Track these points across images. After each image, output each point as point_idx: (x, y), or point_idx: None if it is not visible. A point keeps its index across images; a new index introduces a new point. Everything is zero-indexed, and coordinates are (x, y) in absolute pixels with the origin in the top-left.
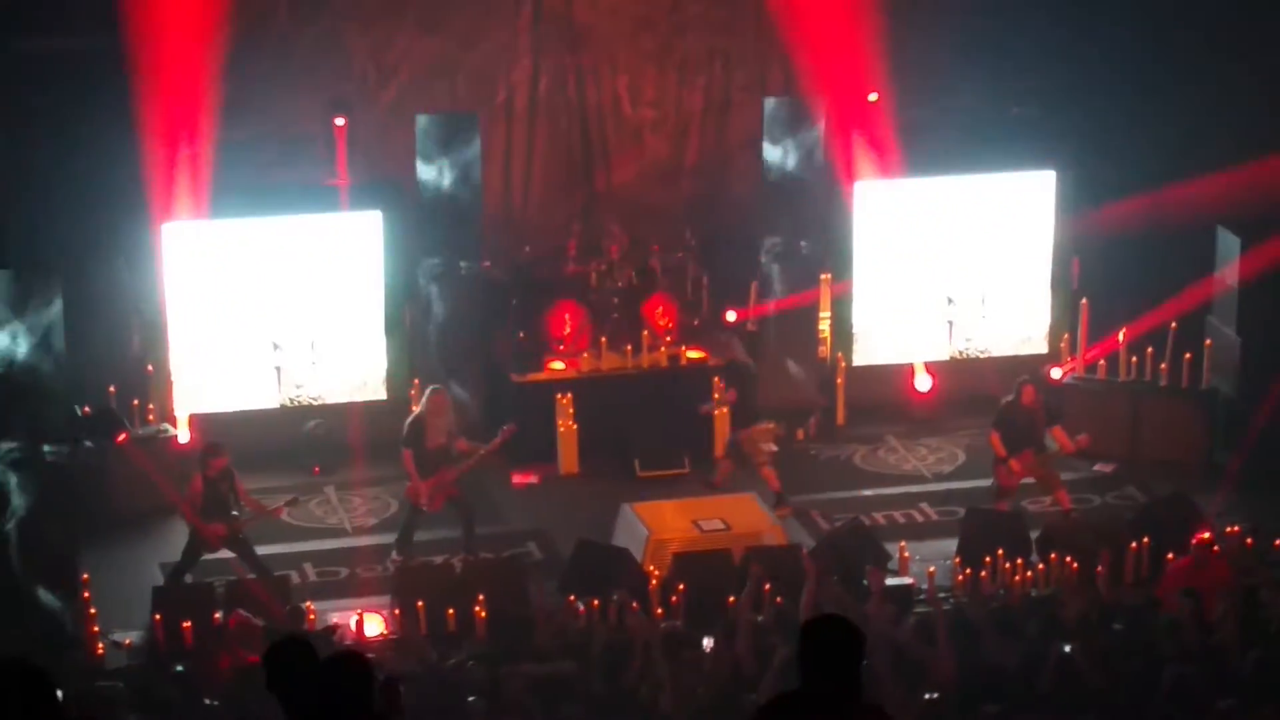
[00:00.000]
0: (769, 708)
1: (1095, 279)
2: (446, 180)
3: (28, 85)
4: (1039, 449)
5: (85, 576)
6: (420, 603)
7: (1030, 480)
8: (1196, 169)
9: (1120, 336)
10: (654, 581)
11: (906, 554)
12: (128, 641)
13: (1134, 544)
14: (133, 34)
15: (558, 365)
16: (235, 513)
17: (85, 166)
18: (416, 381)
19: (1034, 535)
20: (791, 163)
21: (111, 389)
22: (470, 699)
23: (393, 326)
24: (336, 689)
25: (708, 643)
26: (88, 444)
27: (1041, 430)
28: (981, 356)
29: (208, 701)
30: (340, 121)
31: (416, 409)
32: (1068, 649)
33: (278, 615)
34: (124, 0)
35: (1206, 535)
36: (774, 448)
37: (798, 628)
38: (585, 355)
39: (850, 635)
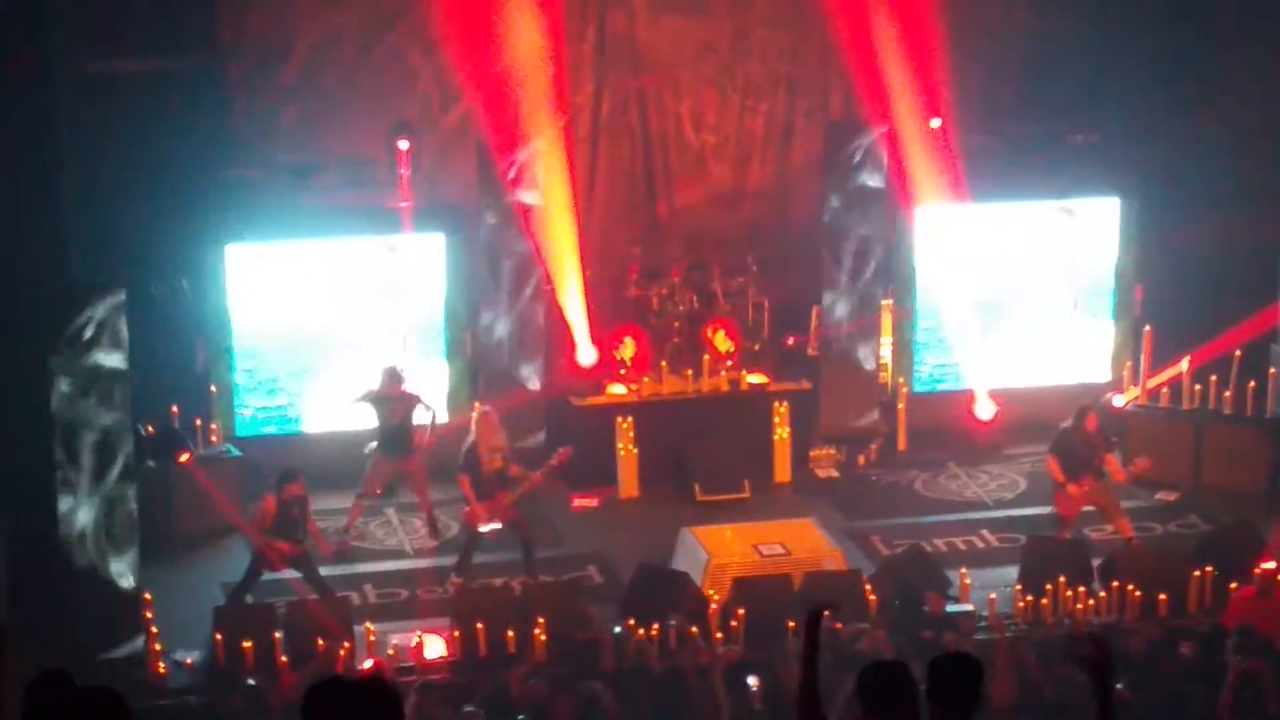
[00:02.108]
0: None
1: (1159, 306)
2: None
3: (98, 106)
4: (1098, 476)
5: (148, 596)
6: (480, 625)
7: (1090, 508)
8: (1261, 196)
9: (1184, 364)
10: (714, 606)
11: (967, 581)
12: (189, 661)
13: (1197, 573)
14: (202, 56)
15: (618, 389)
16: (299, 539)
17: (151, 186)
18: (477, 404)
19: (1096, 563)
20: (853, 188)
21: (174, 408)
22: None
23: (454, 349)
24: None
25: (753, 681)
26: (150, 463)
27: (1101, 458)
28: (1043, 384)
29: None
30: (404, 145)
31: (470, 434)
32: (1120, 686)
33: (338, 636)
34: (194, 23)
35: (1271, 565)
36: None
37: (852, 657)
38: (646, 379)
39: (976, 670)
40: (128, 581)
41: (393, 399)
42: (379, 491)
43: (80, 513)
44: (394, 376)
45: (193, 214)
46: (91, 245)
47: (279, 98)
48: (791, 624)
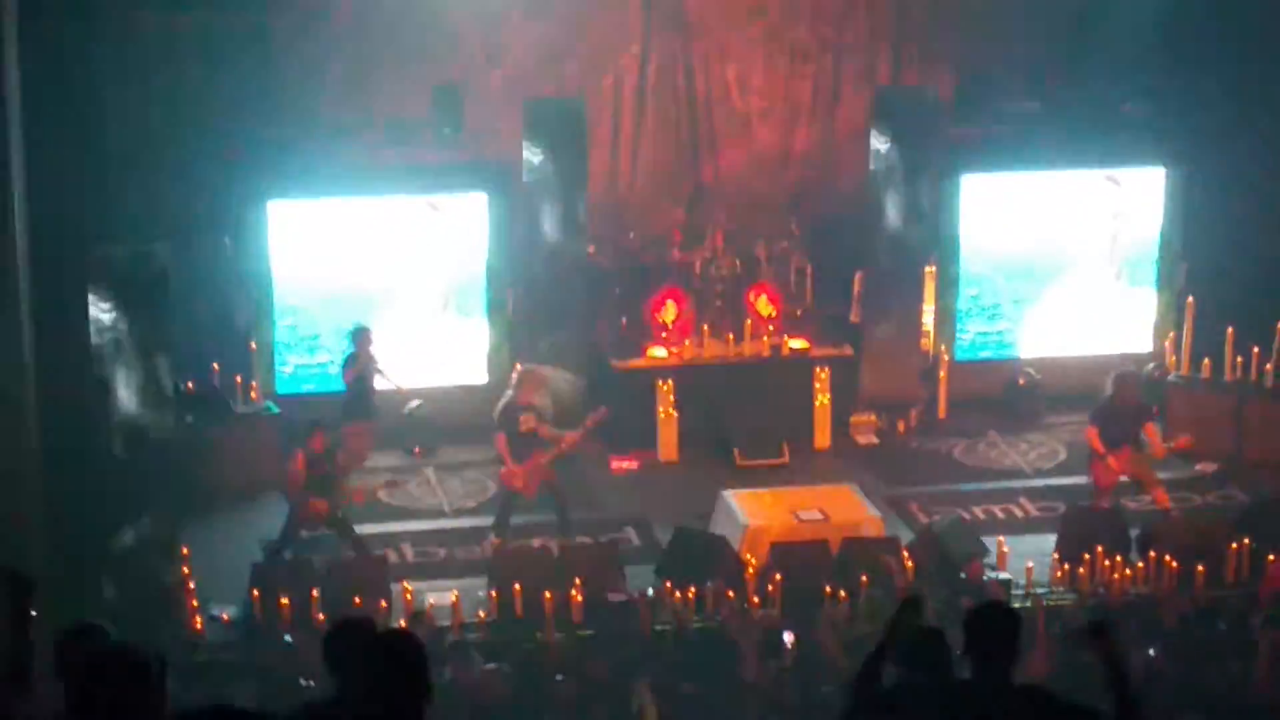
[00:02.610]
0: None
1: (1203, 277)
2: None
3: (142, 61)
4: (1137, 447)
5: (185, 551)
6: (517, 585)
7: (1127, 478)
8: None
9: (1227, 335)
10: (751, 570)
11: (1005, 549)
12: (226, 617)
13: (1234, 545)
14: (246, 13)
15: (659, 352)
16: (334, 495)
17: (194, 142)
18: (518, 365)
19: (1134, 533)
20: (899, 154)
21: (215, 365)
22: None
23: (495, 309)
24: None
25: (789, 637)
26: (189, 420)
27: (1141, 428)
28: (1086, 354)
29: (304, 682)
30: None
31: (509, 392)
32: (1151, 652)
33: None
34: None
35: None
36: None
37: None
38: (687, 343)
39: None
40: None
41: (364, 359)
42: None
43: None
44: (366, 335)
45: (235, 170)
46: (134, 201)
47: (323, 55)
48: (829, 589)
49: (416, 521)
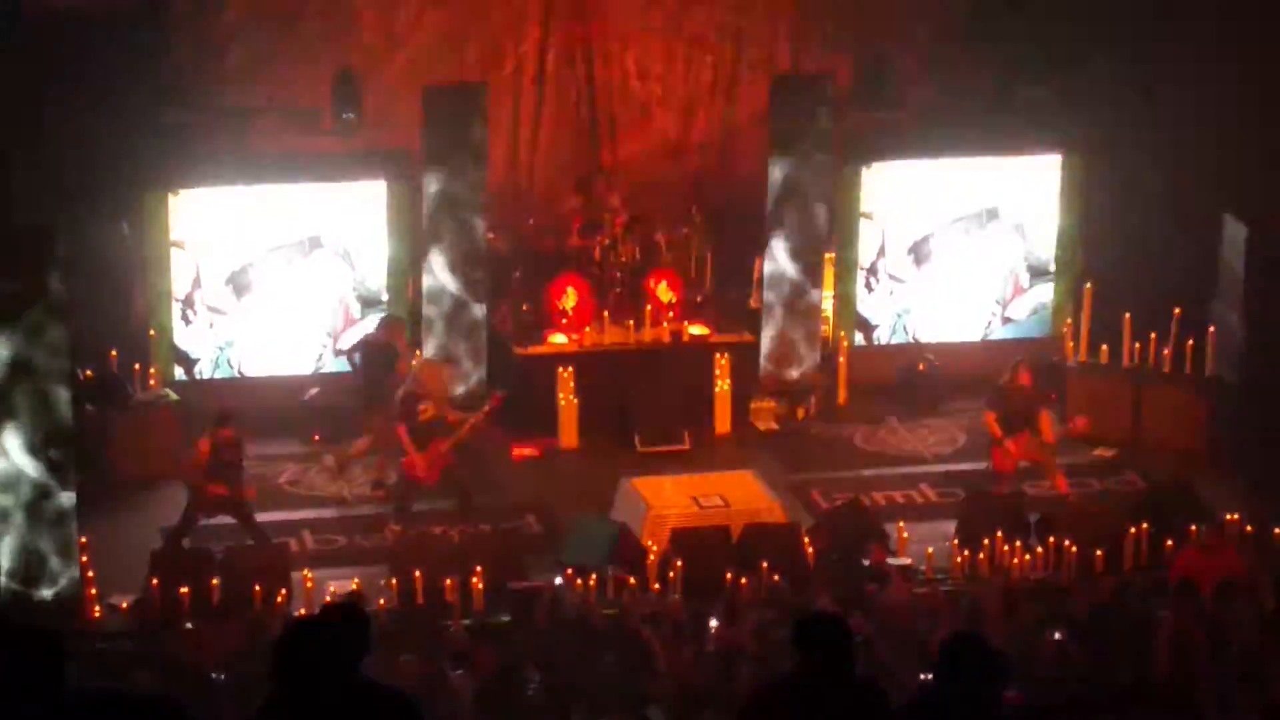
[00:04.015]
0: (767, 692)
1: (1100, 263)
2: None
3: (39, 45)
4: (1035, 431)
5: (84, 539)
6: (418, 573)
7: (1026, 463)
8: (1204, 155)
9: (1125, 321)
10: (652, 557)
11: (905, 534)
12: (124, 605)
13: (1133, 530)
14: None
15: (560, 338)
16: (234, 483)
17: (91, 127)
18: (418, 352)
19: (1033, 519)
20: (798, 141)
21: (113, 353)
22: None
23: (396, 296)
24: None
25: (714, 623)
26: (88, 408)
27: (1037, 412)
28: (985, 338)
29: (214, 675)
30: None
31: (406, 382)
32: (1057, 635)
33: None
34: None
35: (1215, 523)
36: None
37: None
38: (588, 329)
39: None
40: None
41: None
42: None
43: None
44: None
45: (133, 157)
46: (30, 188)
47: (221, 40)
48: (729, 575)
49: (317, 509)
